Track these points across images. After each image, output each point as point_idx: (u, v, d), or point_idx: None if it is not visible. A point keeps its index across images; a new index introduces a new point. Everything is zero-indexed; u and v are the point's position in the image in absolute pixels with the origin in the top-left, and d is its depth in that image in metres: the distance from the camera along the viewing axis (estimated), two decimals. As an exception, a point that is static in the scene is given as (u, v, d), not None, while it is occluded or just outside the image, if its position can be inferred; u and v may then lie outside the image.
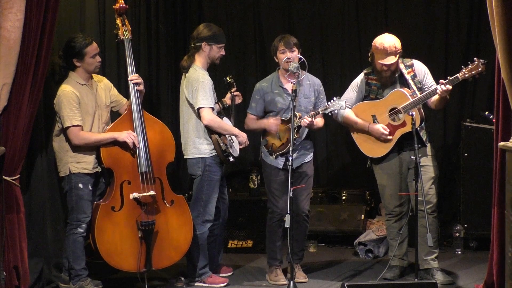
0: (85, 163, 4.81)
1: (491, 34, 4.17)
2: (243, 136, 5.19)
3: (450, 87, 4.91)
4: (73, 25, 5.19)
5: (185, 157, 5.16)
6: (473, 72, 4.88)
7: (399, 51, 5.08)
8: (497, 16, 3.95)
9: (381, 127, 5.15)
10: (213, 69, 5.35)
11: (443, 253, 5.76)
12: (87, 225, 4.82)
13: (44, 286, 4.89)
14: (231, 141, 5.18)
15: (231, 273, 5.47)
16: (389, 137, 5.14)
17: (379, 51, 5.08)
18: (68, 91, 4.74)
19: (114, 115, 5.07)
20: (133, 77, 4.89)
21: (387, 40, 5.08)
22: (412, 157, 4.93)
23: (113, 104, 5.04)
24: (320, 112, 5.11)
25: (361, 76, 5.31)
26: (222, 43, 5.16)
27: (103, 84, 5.01)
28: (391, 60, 5.07)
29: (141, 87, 4.93)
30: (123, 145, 4.82)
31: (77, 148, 4.78)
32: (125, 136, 4.80)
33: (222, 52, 5.19)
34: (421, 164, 4.89)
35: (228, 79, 5.40)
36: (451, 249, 6.06)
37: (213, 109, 5.03)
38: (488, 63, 4.92)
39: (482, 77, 6.36)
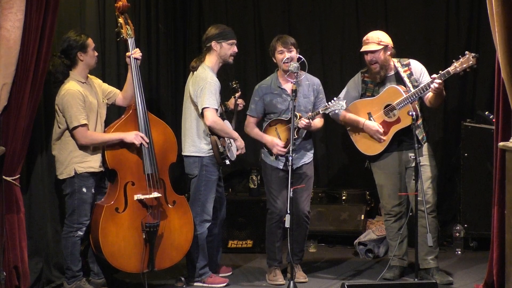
0: (91, 162, 4.76)
1: (491, 34, 4.17)
2: (241, 142, 5.19)
3: (441, 81, 4.89)
4: (73, 25, 5.16)
5: (182, 153, 5.15)
6: (464, 66, 4.84)
7: (382, 42, 5.09)
8: (497, 16, 3.95)
9: (376, 125, 5.14)
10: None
11: (443, 253, 5.76)
12: (87, 227, 4.81)
13: (44, 286, 4.89)
14: (230, 144, 5.16)
15: (230, 273, 5.47)
16: (382, 137, 5.13)
17: (363, 42, 5.14)
18: (74, 90, 4.69)
19: (109, 111, 5.06)
20: (136, 51, 4.87)
21: (372, 32, 5.15)
22: (412, 156, 4.92)
23: (108, 96, 4.99)
24: (321, 112, 5.12)
25: (357, 74, 5.32)
26: (232, 39, 5.14)
27: (96, 82, 4.99)
28: (370, 47, 5.07)
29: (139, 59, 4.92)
30: (128, 146, 4.79)
31: (84, 147, 4.74)
32: (133, 137, 4.76)
33: (234, 49, 5.16)
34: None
35: (233, 84, 5.40)
36: (451, 249, 6.06)
37: (217, 110, 5.02)
38: (488, 63, 4.91)
39: (482, 77, 6.37)
